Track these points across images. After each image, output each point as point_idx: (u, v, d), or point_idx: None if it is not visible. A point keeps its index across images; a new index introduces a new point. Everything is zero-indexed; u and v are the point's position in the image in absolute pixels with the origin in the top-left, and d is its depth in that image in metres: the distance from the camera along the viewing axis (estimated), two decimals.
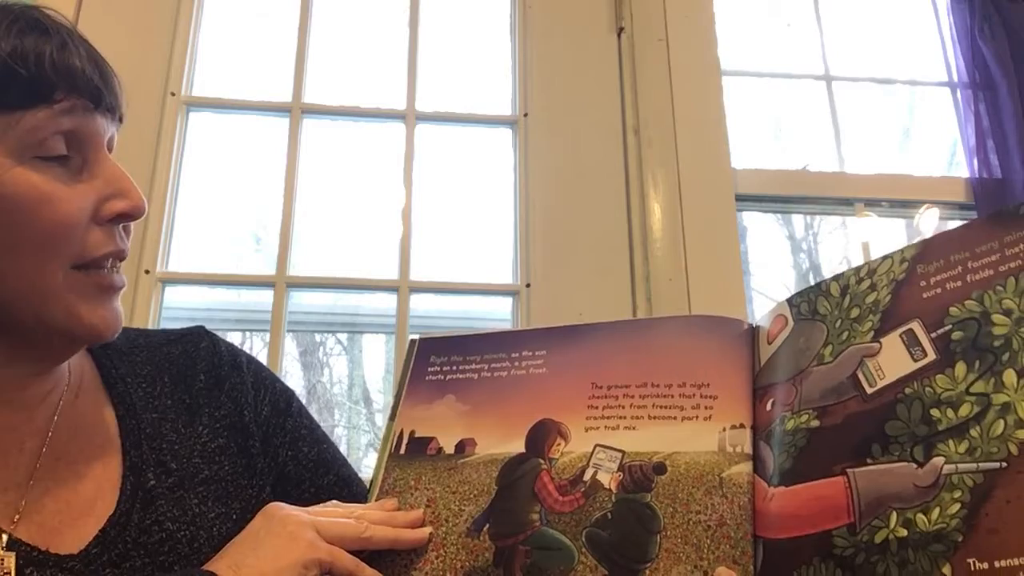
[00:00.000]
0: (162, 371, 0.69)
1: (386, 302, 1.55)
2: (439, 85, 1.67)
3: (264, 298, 1.49)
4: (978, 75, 1.74)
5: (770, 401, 0.62)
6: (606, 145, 1.59)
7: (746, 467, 0.59)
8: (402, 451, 0.69)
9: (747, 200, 1.65)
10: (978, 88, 1.73)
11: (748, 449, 0.60)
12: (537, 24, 1.68)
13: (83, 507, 0.59)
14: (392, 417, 0.72)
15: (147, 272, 1.42)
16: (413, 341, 0.76)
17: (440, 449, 0.68)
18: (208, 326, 0.76)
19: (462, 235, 1.65)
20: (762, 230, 2.63)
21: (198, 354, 0.72)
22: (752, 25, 1.86)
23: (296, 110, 1.58)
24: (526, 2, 1.69)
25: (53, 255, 0.55)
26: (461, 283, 1.58)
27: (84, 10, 1.54)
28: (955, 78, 1.79)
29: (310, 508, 0.60)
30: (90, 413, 0.64)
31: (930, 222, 1.69)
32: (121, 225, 0.59)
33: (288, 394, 0.76)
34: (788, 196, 1.70)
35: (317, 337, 2.45)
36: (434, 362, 0.73)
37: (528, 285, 1.49)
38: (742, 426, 0.61)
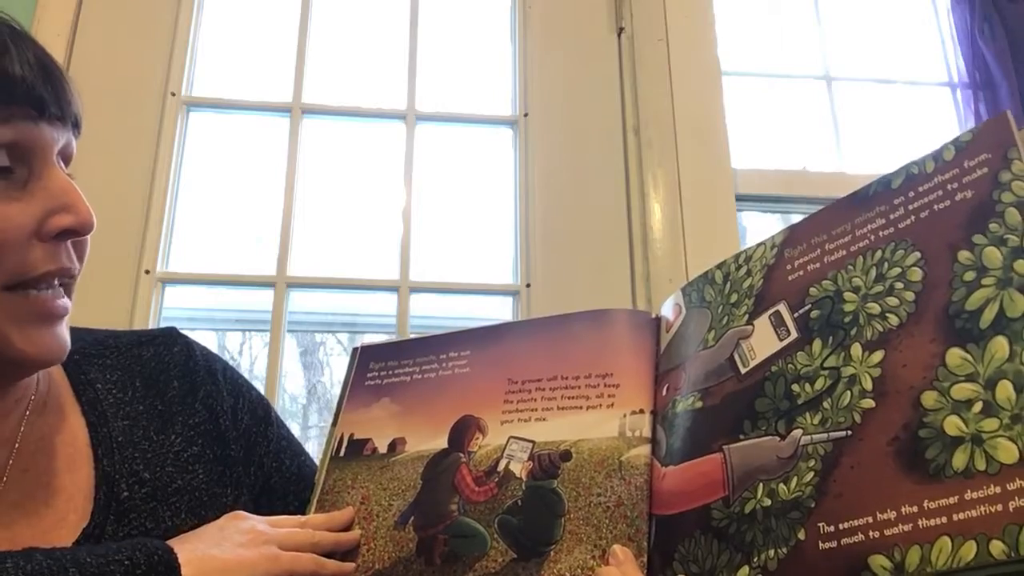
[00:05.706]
0: (133, 375, 0.67)
1: (386, 302, 1.55)
2: (439, 85, 1.66)
3: (264, 298, 1.49)
4: (978, 75, 1.74)
5: (666, 386, 0.65)
6: (606, 145, 1.59)
7: (644, 450, 0.62)
8: (341, 454, 0.72)
9: (747, 200, 1.65)
10: (978, 88, 1.73)
11: (647, 433, 0.63)
12: (537, 24, 1.68)
13: (55, 520, 0.57)
14: (334, 423, 0.75)
15: (147, 272, 1.42)
16: (356, 350, 0.79)
17: (375, 449, 0.71)
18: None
19: (462, 235, 1.65)
20: (762, 230, 2.63)
21: (172, 359, 0.69)
22: (752, 25, 1.86)
23: (296, 110, 1.58)
24: (526, 2, 1.69)
25: None
26: (461, 283, 1.58)
27: (84, 10, 1.54)
28: (955, 78, 1.79)
29: (265, 519, 0.61)
30: (59, 423, 0.61)
31: None
32: (70, 242, 0.55)
33: (265, 403, 0.75)
34: (788, 196, 1.69)
35: (317, 337, 2.45)
36: (372, 368, 0.77)
37: (528, 285, 1.49)
38: (642, 411, 0.64)
